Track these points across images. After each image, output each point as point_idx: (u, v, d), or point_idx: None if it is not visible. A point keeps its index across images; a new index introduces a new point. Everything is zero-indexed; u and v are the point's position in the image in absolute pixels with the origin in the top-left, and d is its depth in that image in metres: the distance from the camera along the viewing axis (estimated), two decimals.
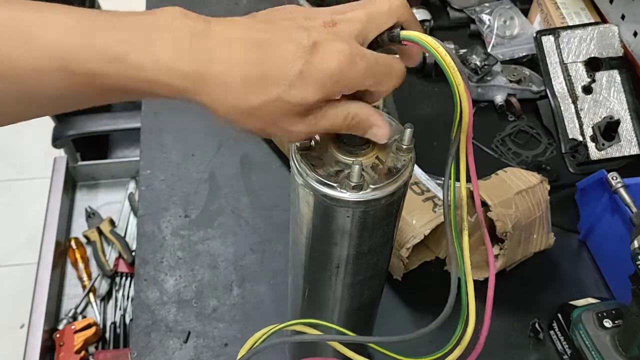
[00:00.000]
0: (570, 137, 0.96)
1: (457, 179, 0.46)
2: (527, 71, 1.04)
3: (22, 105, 0.38)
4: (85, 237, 1.38)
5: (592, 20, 1.05)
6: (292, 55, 0.36)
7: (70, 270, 1.35)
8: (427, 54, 1.13)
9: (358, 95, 0.41)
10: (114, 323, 1.27)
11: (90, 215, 1.41)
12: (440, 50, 0.40)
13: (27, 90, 0.37)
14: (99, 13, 0.37)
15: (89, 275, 1.34)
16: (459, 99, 0.41)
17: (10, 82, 0.36)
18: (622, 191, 0.74)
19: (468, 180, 0.46)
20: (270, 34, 0.37)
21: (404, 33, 0.41)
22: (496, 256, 0.76)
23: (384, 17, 0.40)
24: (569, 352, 0.71)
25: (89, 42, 0.35)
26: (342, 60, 0.36)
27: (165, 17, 0.37)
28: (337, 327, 0.49)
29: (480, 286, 0.49)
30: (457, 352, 0.47)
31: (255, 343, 0.47)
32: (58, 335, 1.19)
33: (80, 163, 1.44)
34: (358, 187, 0.42)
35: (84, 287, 1.32)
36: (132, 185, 1.46)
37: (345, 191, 0.43)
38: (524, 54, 1.07)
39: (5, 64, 0.35)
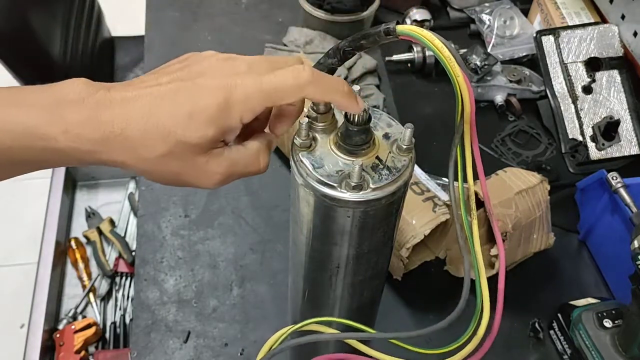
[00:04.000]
0: (570, 137, 0.96)
1: (464, 169, 0.46)
2: (527, 71, 1.04)
3: None
4: (85, 237, 1.38)
5: (592, 20, 1.05)
6: (180, 99, 0.39)
7: (70, 270, 1.35)
8: (427, 54, 1.12)
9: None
10: (114, 323, 1.27)
11: (90, 215, 1.41)
12: (437, 43, 0.40)
13: None
14: (2, 89, 0.39)
15: (89, 275, 1.34)
16: (459, 90, 0.41)
17: None
18: (622, 191, 0.74)
19: (474, 171, 0.46)
20: (161, 86, 0.39)
21: (400, 28, 0.41)
22: (496, 256, 0.76)
23: (281, 93, 0.40)
24: (569, 352, 0.71)
25: (1, 119, 0.37)
26: (223, 98, 0.39)
27: (69, 88, 0.40)
28: (352, 323, 0.49)
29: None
30: (475, 341, 0.48)
31: (272, 346, 0.47)
32: (58, 335, 1.19)
33: None
34: (358, 187, 0.42)
35: (84, 287, 1.32)
36: (132, 185, 1.46)
37: (345, 191, 0.43)
38: (524, 54, 1.07)
39: None
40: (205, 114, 0.38)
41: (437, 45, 0.39)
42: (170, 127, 0.38)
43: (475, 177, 0.46)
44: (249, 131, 0.45)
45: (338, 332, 0.50)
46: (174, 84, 0.39)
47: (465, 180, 0.46)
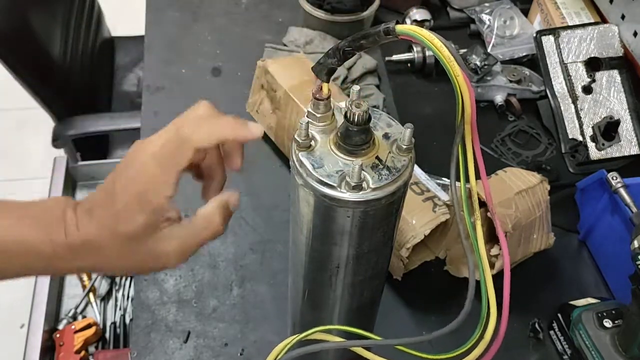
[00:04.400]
0: (570, 137, 0.96)
1: (466, 168, 0.46)
2: (527, 71, 1.04)
3: None
4: None
5: (592, 20, 1.05)
6: (114, 204, 0.44)
7: None
8: (427, 54, 1.12)
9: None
10: (114, 323, 1.26)
11: None
12: (437, 43, 0.39)
13: None
14: None
15: (89, 275, 1.33)
16: (459, 90, 0.41)
17: None
18: (622, 191, 0.74)
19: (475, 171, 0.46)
20: (101, 199, 0.45)
21: (399, 27, 0.40)
22: (496, 256, 0.76)
23: (178, 166, 0.44)
24: (569, 352, 0.71)
25: None
26: (138, 190, 0.43)
27: (55, 206, 0.45)
28: (357, 331, 0.49)
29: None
30: (482, 345, 0.48)
31: (278, 355, 0.47)
32: (58, 335, 1.19)
33: (80, 163, 1.44)
34: (358, 187, 0.42)
35: (84, 287, 1.32)
36: None
37: (345, 191, 0.43)
38: (524, 54, 1.07)
39: None
40: (129, 209, 0.43)
41: (437, 45, 0.39)
42: (113, 228, 0.43)
43: (477, 176, 0.46)
44: (205, 172, 0.49)
45: (343, 340, 0.50)
46: (105, 191, 0.44)
47: (467, 179, 0.46)
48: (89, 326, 1.21)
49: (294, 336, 0.48)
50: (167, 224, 0.45)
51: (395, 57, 1.06)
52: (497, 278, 0.48)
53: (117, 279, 1.32)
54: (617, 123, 0.94)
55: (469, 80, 0.41)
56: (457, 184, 0.46)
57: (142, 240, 0.44)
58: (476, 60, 1.00)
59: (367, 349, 0.50)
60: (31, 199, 0.46)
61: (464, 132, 0.44)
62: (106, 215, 0.43)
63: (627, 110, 0.96)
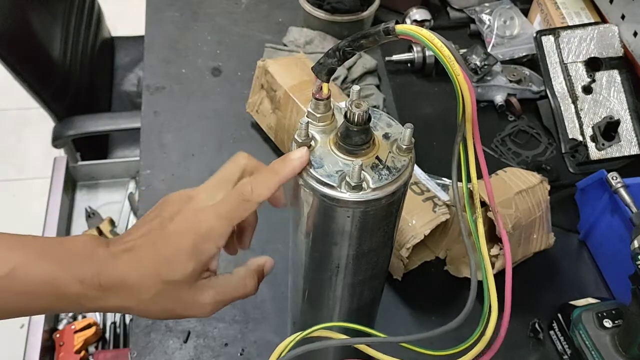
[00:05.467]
0: (570, 137, 0.96)
1: (467, 167, 0.46)
2: (527, 71, 1.04)
3: None
4: None
5: (592, 20, 1.05)
6: (158, 248, 0.44)
7: None
8: (427, 54, 1.12)
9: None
10: (114, 323, 1.26)
11: (90, 215, 1.41)
12: (437, 42, 0.39)
13: None
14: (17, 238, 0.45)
15: None
16: (459, 89, 0.41)
17: None
18: (622, 191, 0.74)
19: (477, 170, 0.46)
20: (143, 237, 0.45)
21: (399, 27, 0.40)
22: (496, 256, 0.76)
23: (236, 213, 0.45)
24: (569, 352, 0.71)
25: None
26: (192, 236, 0.44)
27: (81, 244, 0.45)
28: (360, 327, 0.49)
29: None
30: (483, 342, 0.48)
31: (281, 353, 0.47)
32: (58, 335, 1.19)
33: (80, 163, 1.44)
34: (358, 187, 0.42)
35: None
36: (132, 185, 1.46)
37: (345, 191, 0.43)
38: (524, 54, 1.07)
39: None
40: (180, 255, 0.44)
41: (437, 45, 0.39)
42: (156, 271, 0.44)
43: (479, 176, 0.46)
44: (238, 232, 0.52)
45: (347, 337, 0.50)
46: (152, 233, 0.45)
47: (468, 179, 0.46)
48: (89, 326, 1.21)
49: (296, 334, 0.48)
50: (207, 274, 0.47)
51: (395, 57, 1.06)
52: (497, 278, 0.48)
53: None
54: (617, 123, 0.94)
55: (469, 80, 0.41)
56: (459, 183, 0.46)
57: (183, 288, 0.45)
58: (476, 60, 1.00)
59: (369, 345, 0.50)
60: (55, 238, 0.47)
61: (465, 131, 0.44)
62: (152, 259, 0.44)
63: (627, 110, 0.96)
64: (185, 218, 0.45)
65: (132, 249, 0.45)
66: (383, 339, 0.48)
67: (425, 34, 0.40)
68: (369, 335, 0.49)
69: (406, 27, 0.40)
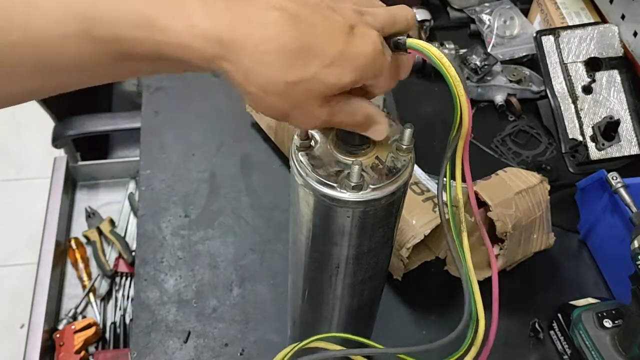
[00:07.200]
0: (570, 137, 0.96)
1: (453, 178, 0.47)
2: (527, 71, 1.04)
3: (37, 78, 0.36)
4: (85, 237, 1.38)
5: (592, 20, 1.05)
6: (332, 34, 0.35)
7: (70, 270, 1.34)
8: None
9: (356, 92, 0.40)
10: (114, 323, 1.26)
11: (90, 215, 1.41)
12: (445, 62, 0.40)
13: (42, 59, 0.34)
14: None
15: (89, 275, 1.33)
16: (459, 109, 0.42)
17: (25, 50, 0.33)
18: (622, 191, 0.74)
19: (463, 180, 0.47)
20: (306, 10, 0.35)
21: (410, 41, 0.41)
22: (496, 256, 0.76)
23: (402, 23, 0.41)
24: (569, 352, 0.71)
25: (113, 6, 0.33)
26: (375, 48, 0.37)
27: None
28: (356, 338, 0.49)
29: (481, 286, 0.50)
30: (473, 351, 0.48)
31: None
32: (58, 335, 1.19)
33: (80, 163, 1.44)
34: (358, 187, 0.42)
35: (84, 287, 1.32)
36: (132, 185, 1.46)
37: (345, 191, 0.43)
38: (524, 54, 1.07)
39: (19, 28, 0.32)
40: (355, 59, 0.35)
41: (445, 64, 0.40)
42: (318, 57, 0.34)
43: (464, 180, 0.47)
44: None
45: (343, 348, 0.50)
46: (320, 13, 0.35)
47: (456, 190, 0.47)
48: (89, 326, 1.21)
49: (293, 345, 0.48)
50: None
51: None
52: (497, 278, 0.48)
53: (117, 279, 1.33)
54: (617, 123, 0.94)
55: (470, 104, 0.42)
56: (445, 196, 0.47)
57: (320, 95, 0.36)
58: (476, 60, 1.00)
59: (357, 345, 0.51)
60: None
61: (456, 148, 0.45)
62: (322, 49, 0.35)
63: (627, 110, 0.96)
64: (365, 25, 0.37)
65: (287, 13, 0.34)
66: (380, 350, 0.49)
67: (435, 52, 0.40)
68: (366, 346, 0.49)
69: (415, 42, 0.41)
